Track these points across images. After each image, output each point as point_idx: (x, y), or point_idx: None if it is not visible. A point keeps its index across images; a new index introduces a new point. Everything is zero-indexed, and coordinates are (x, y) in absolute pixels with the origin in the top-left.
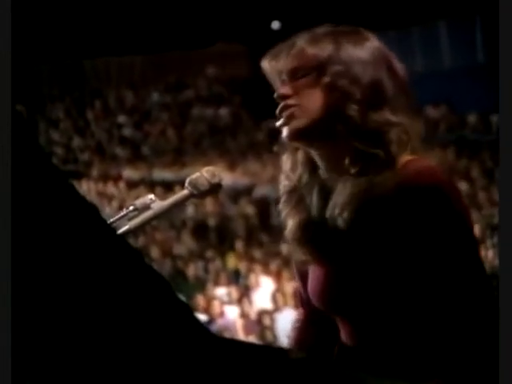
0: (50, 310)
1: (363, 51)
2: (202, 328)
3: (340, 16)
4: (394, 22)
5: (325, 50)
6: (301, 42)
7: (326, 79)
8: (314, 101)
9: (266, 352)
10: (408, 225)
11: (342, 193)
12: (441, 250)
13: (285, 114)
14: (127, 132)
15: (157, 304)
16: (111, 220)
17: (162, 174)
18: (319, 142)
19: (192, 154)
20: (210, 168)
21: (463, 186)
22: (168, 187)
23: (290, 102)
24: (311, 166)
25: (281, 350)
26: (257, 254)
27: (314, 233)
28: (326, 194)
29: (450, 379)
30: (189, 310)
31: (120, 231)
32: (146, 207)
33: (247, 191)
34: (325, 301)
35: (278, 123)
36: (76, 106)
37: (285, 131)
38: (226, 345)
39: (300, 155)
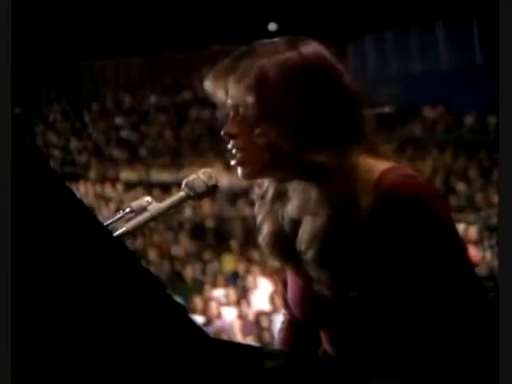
0: (46, 313)
1: (297, 71)
2: (199, 330)
3: (337, 17)
4: (392, 23)
5: (252, 83)
6: (234, 72)
7: (266, 126)
8: (256, 144)
9: (259, 353)
10: (390, 238)
11: (308, 226)
12: (427, 259)
13: (234, 156)
14: (124, 134)
15: (153, 306)
16: (108, 222)
17: (159, 175)
18: (274, 176)
19: (189, 156)
20: (207, 170)
21: (461, 186)
22: (165, 189)
23: (237, 143)
24: (275, 182)
25: (272, 351)
26: (255, 255)
27: (286, 244)
28: (303, 208)
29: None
30: (185, 312)
31: (117, 233)
32: (143, 209)
33: (245, 193)
34: (300, 309)
35: (232, 163)
36: (73, 107)
37: (239, 172)
38: (222, 347)
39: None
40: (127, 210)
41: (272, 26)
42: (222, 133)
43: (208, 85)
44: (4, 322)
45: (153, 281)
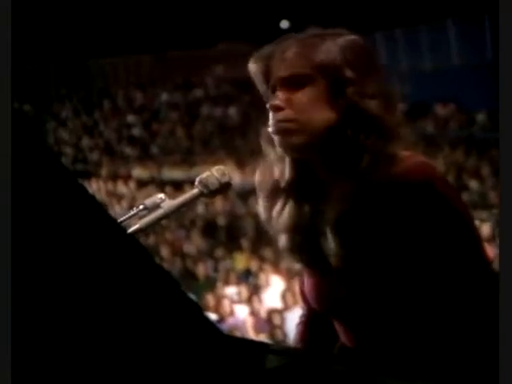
0: (58, 308)
1: (362, 53)
2: (212, 326)
3: (348, 15)
4: (403, 21)
5: (329, 54)
6: (296, 46)
7: (336, 93)
8: (313, 116)
9: (271, 350)
10: (402, 225)
11: (330, 206)
12: (439, 247)
13: (280, 126)
14: (136, 131)
15: (166, 302)
16: (121, 219)
17: (171, 173)
18: (317, 155)
19: (201, 154)
20: (220, 167)
21: (473, 184)
22: (177, 186)
23: (286, 115)
24: (301, 172)
25: (285, 348)
26: (267, 253)
27: (306, 242)
28: (319, 201)
29: (450, 379)
30: (198, 309)
31: (130, 230)
32: (156, 206)
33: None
34: (320, 304)
35: (272, 132)
36: (84, 105)
37: (281, 144)
38: (235, 343)
39: (288, 161)
40: (140, 207)
41: (284, 24)
42: (267, 105)
43: (253, 64)
44: (5, 322)
45: (166, 278)
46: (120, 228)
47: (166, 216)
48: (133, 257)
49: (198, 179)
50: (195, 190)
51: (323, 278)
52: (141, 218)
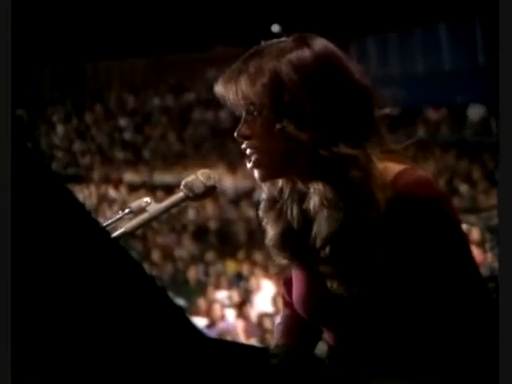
0: (43, 314)
1: (310, 74)
2: (196, 331)
3: (340, 18)
4: (395, 24)
5: (267, 84)
6: (244, 75)
7: (277, 126)
8: (272, 144)
9: (255, 352)
10: (403, 235)
11: (324, 223)
12: (434, 257)
13: (249, 158)
14: (128, 135)
15: (149, 306)
16: (107, 223)
17: (162, 177)
18: (291, 176)
19: (193, 158)
20: (206, 171)
21: (464, 188)
22: (169, 191)
23: (251, 144)
24: (291, 180)
25: (263, 350)
26: (258, 257)
27: (295, 241)
28: (305, 209)
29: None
30: (182, 313)
31: (116, 234)
32: (142, 210)
33: (248, 194)
34: (306, 308)
35: (248, 166)
36: (77, 109)
37: (256, 175)
38: (221, 347)
39: None
40: (126, 210)
41: (275, 28)
42: (235, 135)
43: (219, 88)
44: (4, 323)
45: (150, 282)
46: (104, 231)
47: (151, 219)
48: (116, 261)
49: (183, 183)
50: (180, 194)
51: (310, 279)
52: (127, 221)
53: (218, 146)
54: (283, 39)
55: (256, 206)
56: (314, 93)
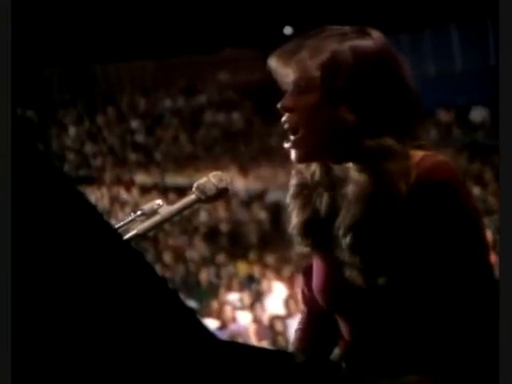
0: (54, 316)
1: (370, 63)
2: (208, 333)
3: (352, 21)
4: (406, 26)
5: (324, 63)
6: (304, 50)
7: (326, 105)
8: (317, 122)
9: (270, 355)
10: (421, 221)
11: (349, 211)
12: (454, 246)
13: (287, 137)
14: (140, 137)
15: (161, 308)
16: (119, 225)
17: (174, 179)
18: (327, 159)
19: (204, 159)
20: (218, 173)
21: (476, 190)
22: (181, 192)
23: (291, 119)
24: (326, 165)
25: (284, 353)
26: (269, 259)
27: (318, 229)
28: (335, 196)
29: (449, 377)
30: (194, 315)
31: (127, 236)
32: (154, 212)
33: (260, 196)
34: (326, 296)
35: (286, 145)
36: (88, 111)
37: (292, 154)
38: (232, 349)
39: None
40: (138, 212)
41: (287, 30)
42: (278, 106)
43: (273, 60)
44: (4, 324)
45: (161, 284)
46: (116, 234)
47: (163, 222)
48: (128, 263)
49: (195, 185)
50: (192, 196)
51: (330, 267)
52: (138, 223)
53: (230, 148)
54: (345, 27)
55: (268, 208)
56: (368, 82)
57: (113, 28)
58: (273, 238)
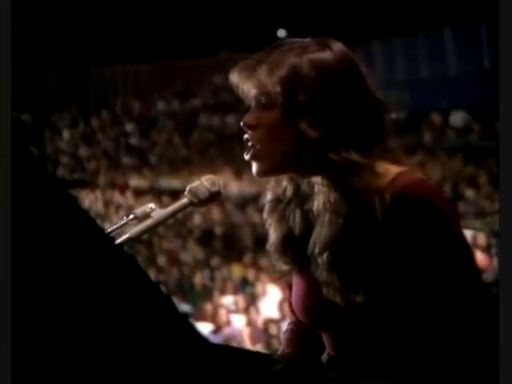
0: (45, 322)
1: (329, 75)
2: (201, 338)
3: (346, 24)
4: (401, 28)
5: (284, 79)
6: (263, 66)
7: (288, 121)
8: (279, 138)
9: (260, 359)
10: (398, 238)
11: (324, 227)
12: (430, 261)
13: (250, 148)
14: (134, 140)
15: (153, 313)
16: (111, 229)
17: (169, 182)
18: (291, 173)
19: (199, 162)
20: (210, 176)
21: (470, 193)
22: (175, 196)
23: (255, 135)
24: (296, 180)
25: (269, 356)
26: (264, 262)
27: (295, 247)
28: (307, 212)
29: None
30: (185, 319)
31: (120, 240)
32: (146, 216)
33: (254, 199)
34: (306, 314)
35: (246, 157)
36: (82, 114)
37: (253, 167)
38: (225, 354)
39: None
40: (130, 216)
41: (281, 33)
42: (241, 123)
43: (234, 75)
44: (4, 329)
45: (154, 288)
46: (107, 238)
47: (156, 225)
48: (120, 267)
49: (187, 189)
50: (185, 200)
51: (308, 284)
52: (131, 227)
53: (224, 151)
54: (305, 39)
55: (262, 211)
56: (330, 94)
57: (107, 31)
58: (267, 240)
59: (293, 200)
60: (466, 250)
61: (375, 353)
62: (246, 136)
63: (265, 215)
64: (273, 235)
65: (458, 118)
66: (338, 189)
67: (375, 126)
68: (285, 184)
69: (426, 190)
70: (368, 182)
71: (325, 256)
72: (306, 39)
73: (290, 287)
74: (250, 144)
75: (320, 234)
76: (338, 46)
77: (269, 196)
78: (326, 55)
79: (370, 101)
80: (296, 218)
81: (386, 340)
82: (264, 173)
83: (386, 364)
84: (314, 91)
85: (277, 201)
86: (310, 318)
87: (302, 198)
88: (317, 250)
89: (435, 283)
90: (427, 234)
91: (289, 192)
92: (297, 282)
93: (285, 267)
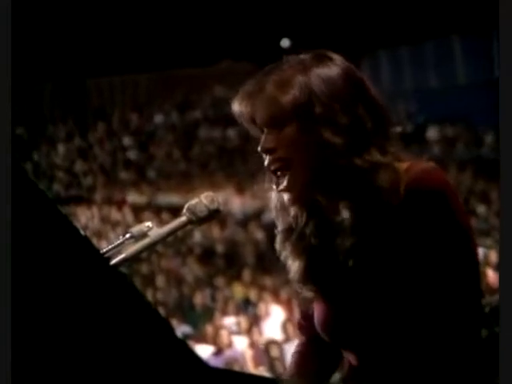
0: (41, 343)
1: (340, 84)
2: (199, 361)
3: (351, 33)
4: (407, 38)
5: (297, 95)
6: (270, 86)
7: (307, 134)
8: (306, 151)
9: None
10: (417, 239)
11: (348, 235)
12: (435, 248)
13: (278, 179)
14: (132, 154)
15: (148, 336)
16: (107, 248)
17: (168, 198)
18: (318, 195)
19: (200, 178)
20: (209, 193)
21: (481, 209)
22: (175, 212)
23: (277, 157)
24: (306, 205)
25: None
26: (267, 281)
27: (320, 273)
28: (327, 232)
29: None
30: (182, 343)
31: (116, 260)
32: (143, 235)
33: (256, 215)
34: (329, 333)
35: (278, 189)
36: (78, 127)
37: (285, 197)
38: (226, 378)
39: (296, 205)
40: (127, 235)
41: (285, 43)
42: (259, 149)
43: (236, 105)
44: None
45: (150, 311)
46: (102, 259)
47: (153, 245)
48: (115, 290)
49: (186, 206)
50: (183, 218)
51: (332, 305)
52: (127, 247)
53: (226, 165)
54: (302, 56)
55: (265, 227)
56: (343, 103)
57: (103, 41)
58: (270, 259)
59: (307, 226)
60: (469, 242)
61: (397, 363)
62: (267, 162)
63: (278, 247)
64: (294, 266)
65: (434, 132)
66: (366, 195)
67: (385, 127)
68: (294, 212)
69: (437, 178)
70: (392, 180)
71: (351, 262)
72: (303, 55)
73: (303, 306)
74: (273, 167)
75: (344, 241)
76: (337, 58)
77: (280, 227)
78: (330, 66)
79: (377, 104)
80: (314, 242)
81: (409, 351)
82: (297, 199)
83: (410, 374)
84: (329, 101)
85: (289, 230)
86: (334, 336)
87: (316, 222)
88: (341, 257)
89: (438, 271)
90: (441, 222)
91: (301, 219)
92: (319, 304)
93: (309, 294)
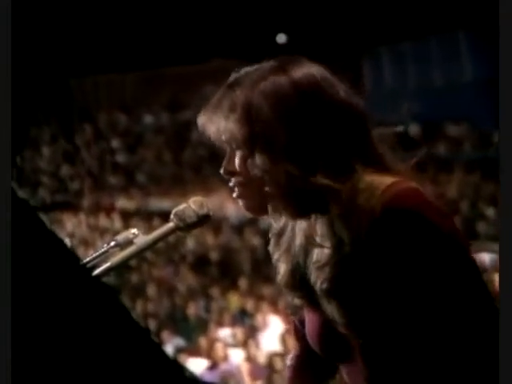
0: (18, 359)
1: (283, 103)
2: (192, 379)
3: (351, 29)
4: (410, 33)
5: (242, 122)
6: (218, 115)
7: (254, 160)
8: (251, 181)
9: None
10: (383, 253)
11: (315, 257)
12: (435, 280)
13: (236, 193)
14: (120, 158)
15: (132, 349)
16: (91, 257)
17: (159, 203)
18: (278, 211)
19: (192, 182)
20: (198, 198)
21: (490, 210)
22: (166, 218)
23: (237, 180)
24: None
25: None
26: (264, 290)
27: (303, 280)
28: (308, 241)
29: None
30: (171, 359)
31: (100, 269)
32: (129, 242)
33: (252, 221)
34: (319, 348)
35: (234, 195)
36: (64, 129)
37: (242, 205)
38: None
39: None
40: (112, 243)
41: (281, 38)
42: (220, 171)
43: (200, 123)
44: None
45: (134, 325)
46: (83, 268)
47: (139, 253)
48: (98, 303)
49: (173, 212)
50: (171, 224)
51: (321, 316)
52: (112, 255)
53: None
54: (263, 64)
55: (262, 233)
56: (288, 122)
57: (88, 38)
58: (268, 267)
59: (292, 232)
60: (465, 264)
61: (391, 377)
62: (230, 184)
63: (270, 249)
64: (281, 269)
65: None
66: (321, 217)
67: (353, 140)
68: (284, 220)
69: (414, 200)
70: (350, 204)
71: (324, 286)
72: (263, 64)
73: (300, 319)
74: (236, 190)
75: (312, 262)
76: (295, 68)
77: (271, 230)
78: (280, 81)
79: (340, 118)
80: (298, 250)
81: (400, 364)
82: (252, 210)
83: None
84: (268, 124)
85: (280, 234)
86: (324, 350)
87: (300, 230)
88: (313, 279)
89: (436, 301)
90: (415, 246)
91: (288, 225)
92: (308, 314)
93: (297, 301)
